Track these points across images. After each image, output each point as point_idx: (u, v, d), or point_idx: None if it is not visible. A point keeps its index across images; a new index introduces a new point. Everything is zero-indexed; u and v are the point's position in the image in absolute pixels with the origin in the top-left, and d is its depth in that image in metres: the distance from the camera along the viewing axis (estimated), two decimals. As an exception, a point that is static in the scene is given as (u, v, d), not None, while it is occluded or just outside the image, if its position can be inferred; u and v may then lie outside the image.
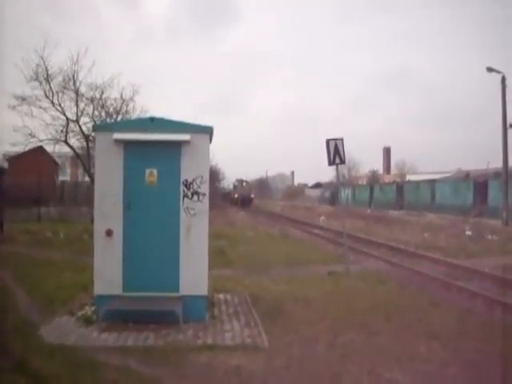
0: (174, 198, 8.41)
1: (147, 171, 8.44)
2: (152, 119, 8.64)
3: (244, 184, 73.53)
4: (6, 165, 41.75)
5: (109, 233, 8.32)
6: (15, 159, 39.36)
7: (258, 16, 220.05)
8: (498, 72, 31.53)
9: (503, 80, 31.50)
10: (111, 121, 23.97)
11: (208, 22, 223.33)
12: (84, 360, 6.42)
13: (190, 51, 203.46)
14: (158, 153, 8.46)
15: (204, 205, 8.47)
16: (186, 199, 8.43)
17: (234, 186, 74.74)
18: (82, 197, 33.05)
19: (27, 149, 26.83)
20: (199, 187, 8.45)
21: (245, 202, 66.46)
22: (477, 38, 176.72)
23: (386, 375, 6.22)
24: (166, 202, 8.45)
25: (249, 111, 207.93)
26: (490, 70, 31.65)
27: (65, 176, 56.22)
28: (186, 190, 8.44)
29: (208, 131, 8.58)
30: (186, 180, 8.44)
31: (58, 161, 50.69)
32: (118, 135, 8.34)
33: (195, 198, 8.44)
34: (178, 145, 8.41)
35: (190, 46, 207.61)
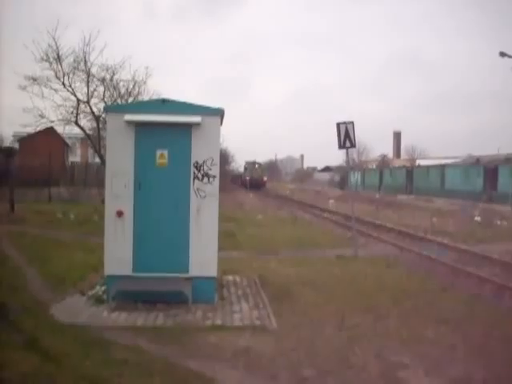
0: (184, 179, 8.43)
1: (158, 153, 8.45)
2: (163, 101, 8.64)
3: (256, 166, 70.37)
4: (16, 145, 41.97)
5: (119, 213, 8.35)
6: (26, 140, 39.52)
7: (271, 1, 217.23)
8: (511, 57, 31.17)
9: (516, 65, 31.17)
10: (123, 102, 23.99)
11: (216, 3, 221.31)
12: (94, 339, 6.49)
13: (198, 33, 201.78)
14: (168, 134, 8.46)
15: (214, 187, 8.48)
16: (196, 181, 8.44)
17: (246, 169, 71.57)
18: (92, 178, 33.17)
19: (38, 130, 26.89)
20: (210, 169, 8.46)
21: (257, 186, 63.97)
22: (489, 21, 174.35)
23: (394, 358, 6.25)
24: (177, 183, 8.47)
25: (258, 92, 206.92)
26: (502, 54, 31.29)
27: (75, 157, 56.38)
28: (196, 171, 8.44)
29: (219, 113, 8.58)
30: (197, 162, 8.44)
31: (69, 142, 50.78)
32: (129, 116, 8.34)
33: (206, 179, 8.45)
34: (189, 127, 8.40)
35: (197, 27, 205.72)
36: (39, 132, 29.43)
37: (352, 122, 13.99)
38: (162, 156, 8.46)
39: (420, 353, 6.44)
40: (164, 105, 8.53)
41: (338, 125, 14.00)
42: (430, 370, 5.95)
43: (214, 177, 8.49)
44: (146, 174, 8.43)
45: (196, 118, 8.34)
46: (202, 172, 8.46)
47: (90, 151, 41.89)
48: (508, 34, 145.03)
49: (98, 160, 35.12)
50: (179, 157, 8.46)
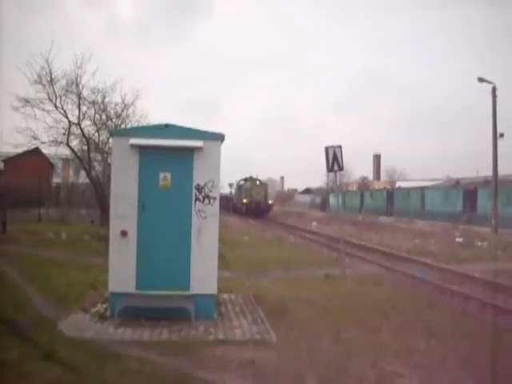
0: (186, 201, 8.84)
1: (161, 175, 8.86)
2: (166, 126, 9.05)
3: (258, 184, 52.11)
4: (1, 165, 41.95)
5: (124, 233, 8.72)
6: (11, 160, 39.52)
7: (237, 18, 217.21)
8: (489, 82, 32.07)
9: (494, 91, 32.00)
10: (112, 124, 24.41)
11: (185, 23, 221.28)
12: (107, 352, 6.84)
13: (170, 54, 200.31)
14: (171, 158, 8.90)
15: (215, 208, 8.91)
16: (197, 202, 8.86)
17: (239, 188, 53.22)
18: (78, 199, 33.32)
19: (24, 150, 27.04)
20: (210, 191, 8.89)
21: (259, 212, 47.88)
22: (467, 44, 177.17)
23: (389, 368, 6.69)
24: (179, 204, 8.88)
25: (234, 114, 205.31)
26: (481, 80, 32.15)
27: (57, 178, 56.24)
28: (197, 193, 8.86)
29: (219, 138, 9.03)
30: (198, 184, 8.87)
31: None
32: (133, 140, 8.77)
33: (206, 201, 8.88)
34: (191, 150, 8.84)
35: (169, 49, 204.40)
36: (24, 152, 29.55)
37: (340, 146, 14.48)
38: (165, 178, 8.88)
39: (413, 363, 6.90)
40: (167, 129, 8.97)
41: (327, 149, 14.48)
42: (424, 379, 6.41)
43: (215, 198, 8.93)
44: (149, 196, 8.83)
45: (198, 143, 8.79)
46: (203, 194, 8.89)
47: (71, 172, 41.93)
48: (486, 56, 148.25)
49: (81, 181, 35.31)
50: (181, 179, 8.89)
